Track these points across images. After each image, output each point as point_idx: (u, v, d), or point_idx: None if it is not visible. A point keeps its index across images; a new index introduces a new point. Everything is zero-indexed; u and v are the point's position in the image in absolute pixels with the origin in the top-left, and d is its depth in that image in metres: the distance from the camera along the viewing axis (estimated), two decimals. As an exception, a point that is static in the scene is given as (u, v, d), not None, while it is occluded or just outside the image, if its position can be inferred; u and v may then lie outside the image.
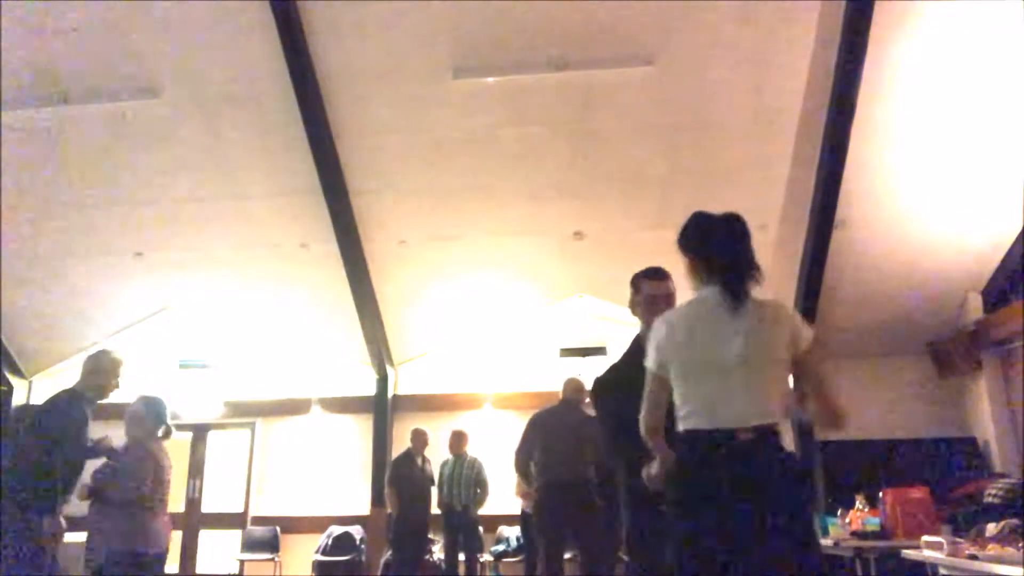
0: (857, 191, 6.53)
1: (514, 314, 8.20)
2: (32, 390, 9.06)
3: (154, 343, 8.54)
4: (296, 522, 8.28)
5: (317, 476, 8.48)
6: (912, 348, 7.67)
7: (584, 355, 7.90)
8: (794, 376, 2.17)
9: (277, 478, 8.61)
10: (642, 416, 2.20)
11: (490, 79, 6.41)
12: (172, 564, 8.61)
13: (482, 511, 6.95)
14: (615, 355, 3.01)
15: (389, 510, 6.96)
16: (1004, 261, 6.87)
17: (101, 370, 3.85)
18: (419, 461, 6.96)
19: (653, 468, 2.23)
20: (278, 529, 8.23)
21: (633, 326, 2.93)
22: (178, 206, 7.35)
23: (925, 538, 4.03)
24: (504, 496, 6.95)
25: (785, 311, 2.16)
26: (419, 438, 7.01)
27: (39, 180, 7.22)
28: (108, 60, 6.43)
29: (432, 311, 8.19)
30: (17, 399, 8.87)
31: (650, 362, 2.18)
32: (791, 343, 2.10)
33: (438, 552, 7.30)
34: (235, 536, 8.40)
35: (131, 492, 3.55)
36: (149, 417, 3.76)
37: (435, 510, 6.96)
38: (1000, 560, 3.28)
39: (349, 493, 8.31)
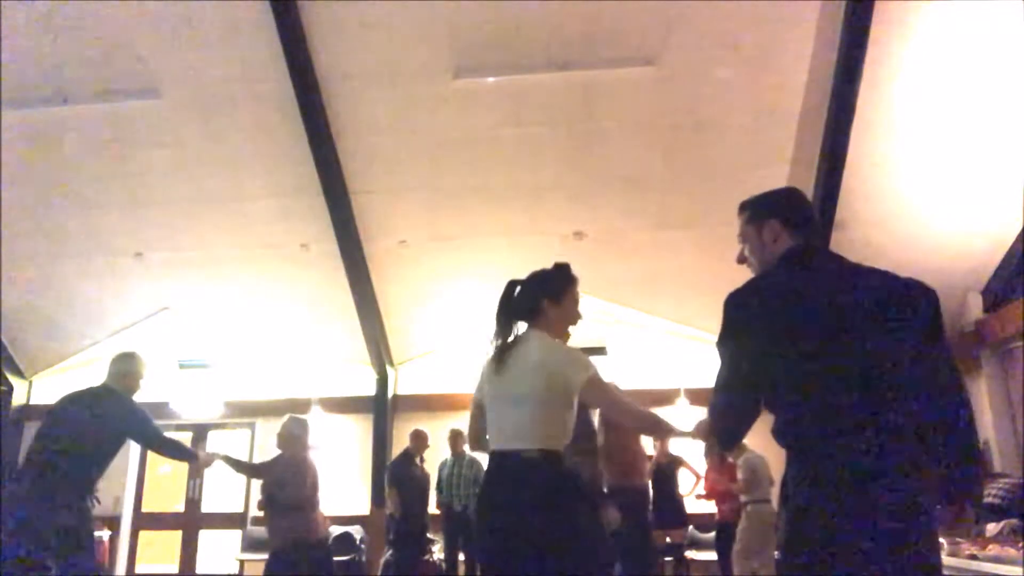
0: (857, 191, 6.53)
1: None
2: (32, 390, 9.06)
3: (154, 343, 8.52)
4: (296, 522, 8.26)
5: (317, 476, 8.47)
6: (912, 348, 7.66)
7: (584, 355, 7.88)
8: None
9: (277, 478, 8.59)
10: None
11: (490, 79, 6.40)
12: (171, 564, 8.66)
13: (482, 511, 6.94)
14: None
15: (391, 511, 6.95)
16: (1004, 261, 6.87)
17: (129, 372, 4.10)
18: (418, 461, 6.96)
19: None
20: (278, 529, 8.21)
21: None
22: (178, 206, 7.35)
23: (925, 538, 4.02)
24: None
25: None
26: (419, 440, 7.00)
27: (39, 180, 7.22)
28: (108, 60, 6.42)
29: (432, 311, 8.18)
30: (17, 399, 8.87)
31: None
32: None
33: (438, 552, 7.30)
34: (235, 536, 8.39)
35: (294, 497, 4.43)
36: (305, 435, 4.70)
37: (434, 510, 6.96)
38: (1000, 560, 3.28)
39: (349, 493, 8.30)
